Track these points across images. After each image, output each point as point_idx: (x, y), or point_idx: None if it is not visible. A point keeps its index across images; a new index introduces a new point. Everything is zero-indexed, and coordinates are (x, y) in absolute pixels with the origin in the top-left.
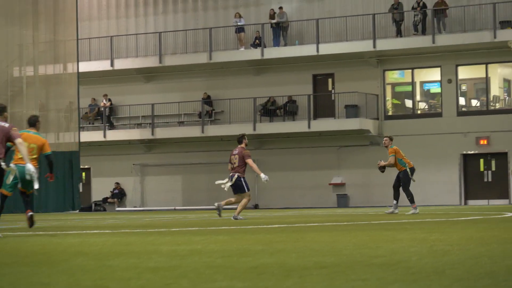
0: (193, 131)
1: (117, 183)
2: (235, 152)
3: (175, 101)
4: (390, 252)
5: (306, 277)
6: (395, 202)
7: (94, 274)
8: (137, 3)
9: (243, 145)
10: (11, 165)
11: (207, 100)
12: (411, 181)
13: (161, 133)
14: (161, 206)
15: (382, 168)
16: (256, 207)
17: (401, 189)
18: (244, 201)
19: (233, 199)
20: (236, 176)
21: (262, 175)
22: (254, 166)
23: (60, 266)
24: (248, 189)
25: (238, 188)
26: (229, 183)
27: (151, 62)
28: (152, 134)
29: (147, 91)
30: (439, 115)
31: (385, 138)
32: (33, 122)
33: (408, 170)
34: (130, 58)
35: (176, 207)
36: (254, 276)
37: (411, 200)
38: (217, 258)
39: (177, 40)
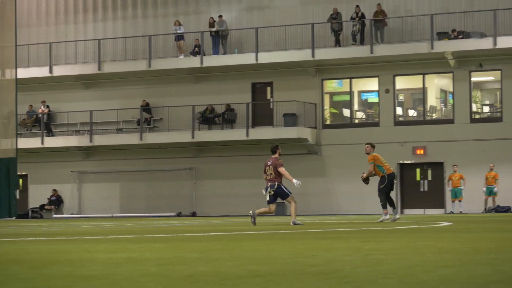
0: (132, 139)
1: (55, 190)
2: (269, 163)
3: (114, 108)
4: (325, 261)
5: (240, 285)
6: (392, 209)
7: (28, 282)
8: (76, 10)
9: (276, 155)
10: None
11: (146, 108)
12: (393, 184)
13: (100, 140)
14: (99, 213)
15: (366, 180)
16: (194, 214)
17: (383, 193)
18: (292, 205)
19: (267, 209)
20: (276, 185)
21: (295, 181)
22: (286, 173)
23: None
24: (291, 193)
25: (281, 195)
26: (268, 193)
27: (90, 69)
28: (90, 141)
29: (85, 98)
30: (377, 124)
31: (366, 145)
32: None
33: (386, 176)
34: (69, 65)
35: (114, 215)
36: (188, 284)
37: (383, 206)
38: (152, 266)
39: (116, 47)
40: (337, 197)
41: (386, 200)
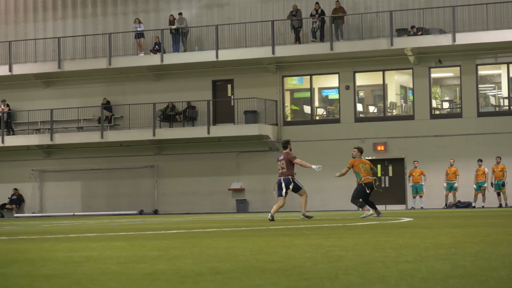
0: (92, 137)
1: (16, 189)
2: (281, 157)
3: (74, 106)
4: (285, 258)
5: (200, 283)
6: (373, 210)
7: None
8: (36, 8)
9: (288, 150)
10: None
11: (107, 106)
12: (371, 191)
13: (60, 138)
14: (60, 212)
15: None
16: (155, 212)
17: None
18: (304, 197)
19: (280, 203)
20: (291, 179)
21: (313, 166)
22: (303, 162)
23: None
24: (302, 186)
25: (295, 188)
26: (286, 189)
27: (50, 67)
28: (51, 139)
29: (46, 97)
30: (337, 121)
31: (353, 149)
32: None
33: (363, 184)
34: (29, 63)
35: (75, 213)
36: (148, 282)
37: (361, 205)
38: (112, 265)
39: (76, 45)
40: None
41: (361, 201)
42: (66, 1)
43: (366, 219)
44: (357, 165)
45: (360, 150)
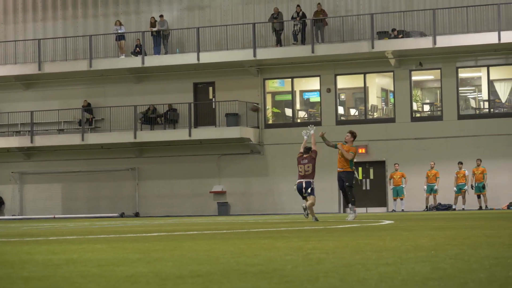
0: (73, 139)
1: None
2: (305, 161)
3: (55, 108)
4: (266, 261)
5: (181, 285)
6: (350, 206)
7: None
8: (15, 10)
9: (308, 154)
10: None
11: (87, 108)
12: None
13: (41, 141)
14: (41, 215)
15: (328, 142)
16: (136, 215)
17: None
18: (310, 204)
19: (312, 201)
20: (311, 183)
21: (312, 131)
22: (313, 140)
23: None
24: (315, 195)
25: (311, 191)
26: (305, 190)
27: (30, 69)
28: (31, 141)
29: (26, 99)
30: (319, 123)
31: (347, 134)
32: None
33: (353, 173)
34: (9, 65)
35: (56, 215)
36: (128, 285)
37: (353, 202)
38: (93, 267)
39: (57, 47)
40: (280, 196)
41: (354, 200)
42: (46, 3)
43: (348, 222)
44: (354, 157)
45: (354, 135)
